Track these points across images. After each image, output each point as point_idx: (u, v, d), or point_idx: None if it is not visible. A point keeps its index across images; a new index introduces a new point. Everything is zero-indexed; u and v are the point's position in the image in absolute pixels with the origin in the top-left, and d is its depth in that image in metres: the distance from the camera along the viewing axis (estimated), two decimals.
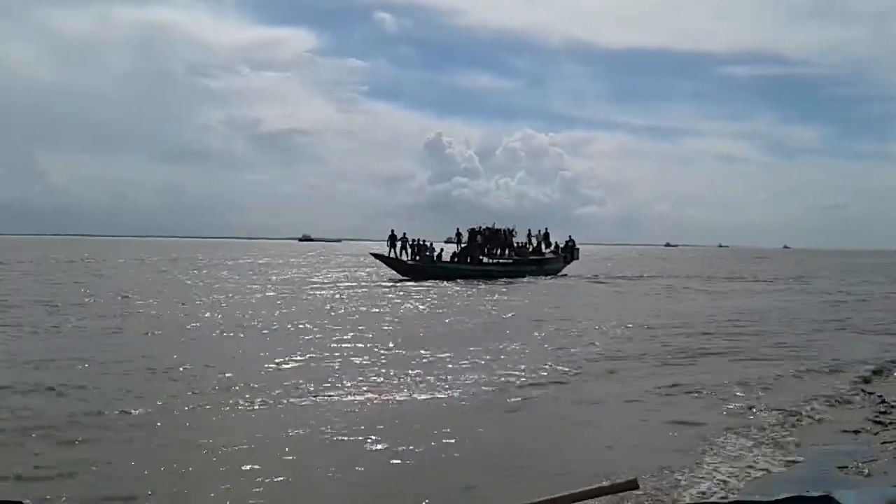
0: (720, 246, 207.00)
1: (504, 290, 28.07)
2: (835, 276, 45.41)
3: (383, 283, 30.37)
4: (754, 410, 8.31)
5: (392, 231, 34.81)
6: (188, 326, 15.40)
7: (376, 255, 34.87)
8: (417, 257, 34.97)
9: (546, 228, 41.00)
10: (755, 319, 18.62)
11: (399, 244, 34.93)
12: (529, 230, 40.64)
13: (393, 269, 34.61)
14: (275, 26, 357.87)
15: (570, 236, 42.42)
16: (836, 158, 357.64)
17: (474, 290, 27.80)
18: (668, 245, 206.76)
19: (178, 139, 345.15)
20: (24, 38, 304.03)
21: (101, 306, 19.00)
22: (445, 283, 30.75)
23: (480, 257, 36.90)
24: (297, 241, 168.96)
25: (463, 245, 37.08)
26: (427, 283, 30.29)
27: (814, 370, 11.11)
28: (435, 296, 24.81)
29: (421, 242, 35.34)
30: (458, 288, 28.35)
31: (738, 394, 9.22)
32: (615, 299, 25.54)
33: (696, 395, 9.25)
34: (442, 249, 36.43)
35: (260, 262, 56.15)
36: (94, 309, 18.28)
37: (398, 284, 29.92)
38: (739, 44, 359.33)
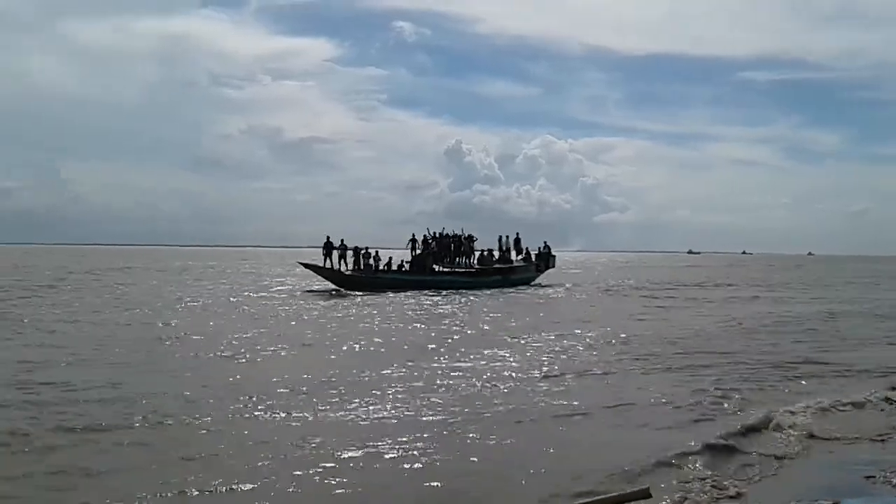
0: (744, 253, 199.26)
1: (435, 301, 24.08)
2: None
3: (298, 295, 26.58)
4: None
5: (328, 238, 30.87)
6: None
7: (307, 266, 30.84)
8: (356, 267, 31.06)
9: (518, 234, 36.85)
10: None
11: (337, 252, 31.03)
12: (500, 237, 36.57)
13: (327, 280, 30.64)
14: (295, 36, 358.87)
15: (545, 242, 38.22)
16: (859, 163, 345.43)
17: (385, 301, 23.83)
18: (690, 252, 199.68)
19: (200, 148, 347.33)
20: (49, 50, 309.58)
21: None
22: (388, 294, 26.87)
23: (434, 266, 32.87)
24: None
25: (416, 253, 33.16)
26: (354, 295, 26.51)
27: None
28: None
29: (364, 250, 31.42)
30: (379, 300, 24.43)
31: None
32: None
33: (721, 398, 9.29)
34: (391, 258, 32.45)
35: (254, 270, 52.84)
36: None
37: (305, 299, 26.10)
38: (758, 49, 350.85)
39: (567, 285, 36.94)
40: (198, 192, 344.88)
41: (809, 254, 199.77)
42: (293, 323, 18.27)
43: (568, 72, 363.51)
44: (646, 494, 3.00)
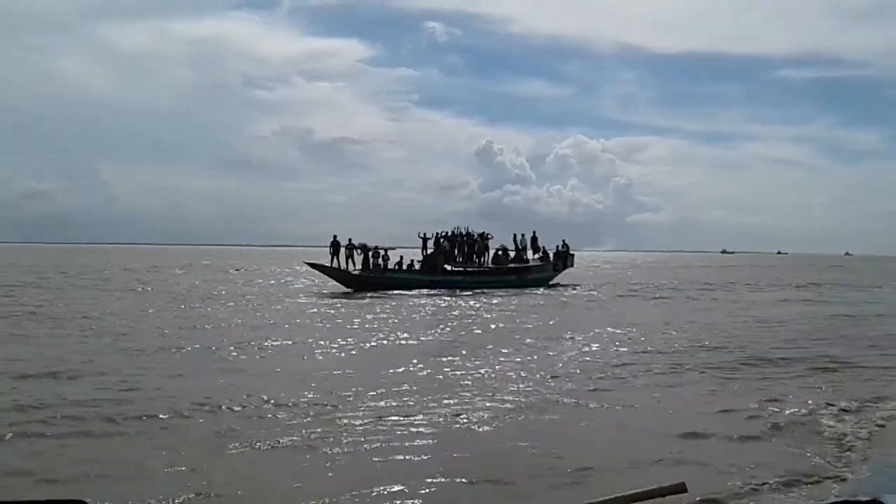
0: (779, 253, 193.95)
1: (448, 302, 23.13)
2: None
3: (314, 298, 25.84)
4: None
5: (335, 237, 30.07)
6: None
7: (313, 265, 30.08)
8: (364, 267, 30.23)
9: (534, 232, 35.70)
10: None
11: (345, 251, 30.23)
12: (515, 235, 35.48)
13: (335, 280, 29.84)
14: (327, 37, 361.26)
15: (563, 240, 36.93)
16: None
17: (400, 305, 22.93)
18: (724, 252, 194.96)
19: (233, 149, 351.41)
20: (85, 54, 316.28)
21: None
22: (393, 294, 26.01)
23: (446, 266, 31.90)
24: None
25: (428, 252, 32.23)
26: (362, 296, 25.69)
27: None
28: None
29: (373, 249, 30.57)
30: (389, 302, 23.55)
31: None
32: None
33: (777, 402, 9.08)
34: (401, 257, 31.58)
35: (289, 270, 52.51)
36: None
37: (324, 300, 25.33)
38: (794, 46, 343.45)
39: (587, 286, 35.73)
40: (230, 193, 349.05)
41: (846, 254, 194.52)
42: (288, 326, 17.51)
43: (600, 71, 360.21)
44: (682, 489, 2.95)
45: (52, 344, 13.43)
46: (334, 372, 10.82)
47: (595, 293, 31.28)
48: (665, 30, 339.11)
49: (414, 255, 31.97)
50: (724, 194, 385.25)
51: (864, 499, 2.73)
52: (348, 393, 9.19)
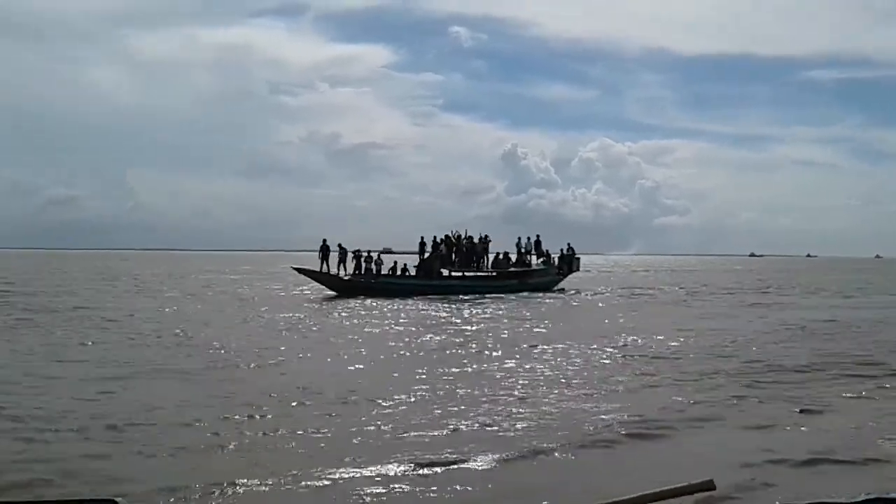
0: (808, 256, 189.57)
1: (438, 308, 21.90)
2: None
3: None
4: None
5: (324, 241, 29.01)
6: None
7: (300, 270, 29.02)
8: (356, 272, 29.15)
9: (538, 235, 34.28)
10: None
11: (336, 256, 29.17)
12: (519, 238, 34.10)
13: (324, 285, 28.78)
14: (352, 43, 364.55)
15: (568, 244, 35.44)
16: None
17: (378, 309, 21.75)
18: (752, 255, 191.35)
19: (259, 155, 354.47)
20: (113, 62, 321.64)
21: None
22: (380, 300, 24.87)
23: (442, 270, 30.70)
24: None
25: (427, 255, 31.06)
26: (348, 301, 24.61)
27: None
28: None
29: (366, 253, 29.48)
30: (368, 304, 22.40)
31: None
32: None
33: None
34: (395, 262, 30.42)
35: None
36: None
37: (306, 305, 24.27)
38: (821, 47, 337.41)
39: (594, 291, 34.33)
40: (256, 199, 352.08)
41: (877, 256, 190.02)
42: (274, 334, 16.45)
43: (625, 73, 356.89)
44: (710, 486, 2.74)
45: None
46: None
47: (598, 298, 29.84)
48: (690, 31, 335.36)
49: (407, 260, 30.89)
50: (752, 197, 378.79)
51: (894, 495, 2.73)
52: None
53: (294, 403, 8.76)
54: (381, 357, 12.83)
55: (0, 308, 20.91)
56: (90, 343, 14.14)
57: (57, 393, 9.26)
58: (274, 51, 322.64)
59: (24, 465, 6.22)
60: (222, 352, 13.04)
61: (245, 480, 5.83)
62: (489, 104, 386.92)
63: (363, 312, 21.65)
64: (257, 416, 8.08)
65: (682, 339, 15.37)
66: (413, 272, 30.21)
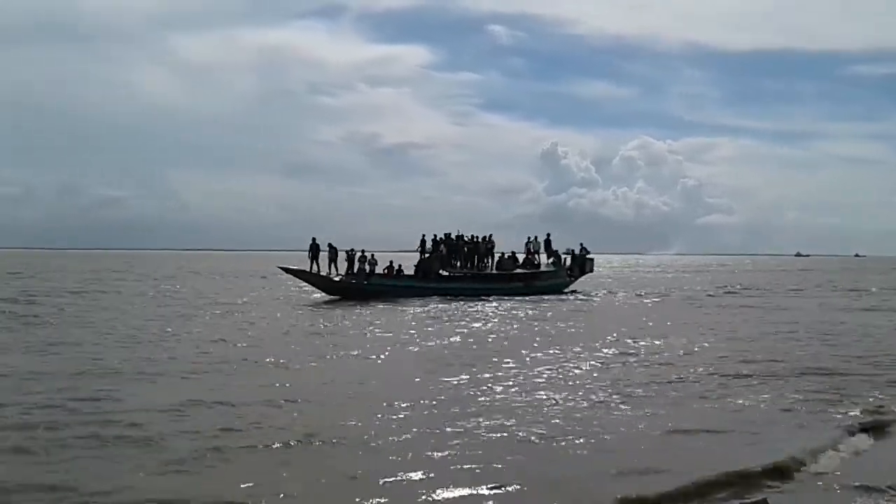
0: (857, 255, 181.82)
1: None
2: None
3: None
4: None
5: (314, 239, 27.54)
6: None
7: (288, 270, 27.51)
8: (348, 272, 27.61)
9: (548, 234, 32.36)
10: None
11: (327, 256, 27.70)
12: (529, 238, 32.16)
13: (314, 286, 27.27)
14: (391, 44, 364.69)
15: (580, 244, 33.40)
16: None
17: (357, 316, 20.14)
18: (798, 255, 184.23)
19: (299, 156, 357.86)
20: (156, 64, 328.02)
21: None
22: (376, 303, 23.32)
23: (442, 271, 28.98)
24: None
25: (426, 255, 29.40)
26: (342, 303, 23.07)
27: None
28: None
29: (360, 253, 27.89)
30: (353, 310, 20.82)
31: None
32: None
33: None
34: (391, 262, 28.76)
35: None
36: None
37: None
38: (868, 42, 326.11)
39: (610, 293, 32.23)
40: (296, 199, 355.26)
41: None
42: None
43: (666, 70, 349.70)
44: None
45: None
46: None
47: (609, 301, 27.75)
48: (733, 27, 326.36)
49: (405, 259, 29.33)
50: (798, 195, 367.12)
51: None
52: None
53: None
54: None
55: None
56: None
57: None
58: (314, 52, 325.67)
59: None
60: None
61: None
62: (527, 103, 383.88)
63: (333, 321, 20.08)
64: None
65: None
66: (411, 272, 28.65)
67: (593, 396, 9.53)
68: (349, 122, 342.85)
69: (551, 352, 13.61)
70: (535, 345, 14.63)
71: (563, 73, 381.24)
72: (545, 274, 30.89)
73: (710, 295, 32.16)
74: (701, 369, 11.66)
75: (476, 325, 18.69)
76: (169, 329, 16.53)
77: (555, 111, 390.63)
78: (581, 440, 7.36)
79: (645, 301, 28.57)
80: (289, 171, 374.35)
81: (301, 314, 21.36)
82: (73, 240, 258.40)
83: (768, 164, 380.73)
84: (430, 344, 14.79)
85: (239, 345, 14.07)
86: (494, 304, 24.82)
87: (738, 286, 39.10)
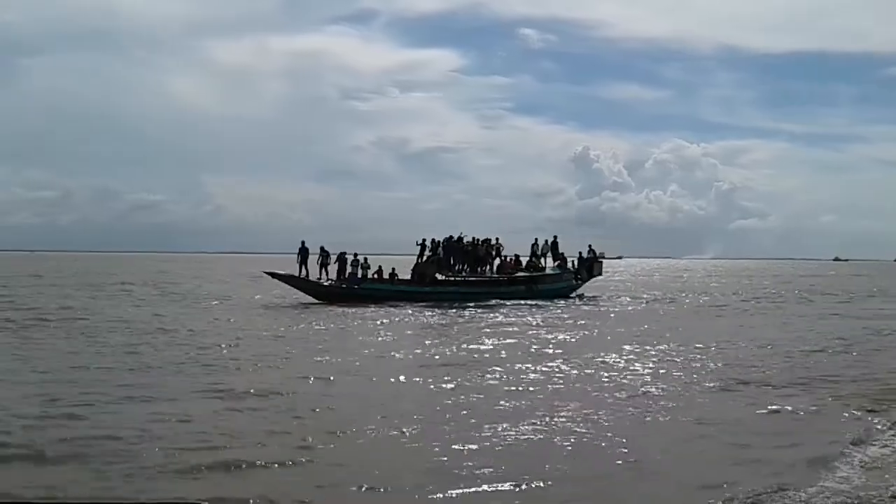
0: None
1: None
2: None
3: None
4: None
5: (302, 243, 26.56)
6: None
7: (274, 275, 26.50)
8: (339, 277, 26.56)
9: (555, 237, 30.92)
10: None
11: (318, 260, 26.68)
12: (535, 240, 30.75)
13: (301, 291, 26.22)
14: (421, 48, 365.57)
15: (589, 246, 31.94)
16: None
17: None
18: (836, 259, 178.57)
19: (330, 160, 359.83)
20: (191, 71, 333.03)
21: None
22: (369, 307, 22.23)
23: (438, 275, 27.75)
24: None
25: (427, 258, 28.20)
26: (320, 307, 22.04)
27: None
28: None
29: (353, 256, 26.82)
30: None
31: None
32: None
33: None
34: (380, 266, 27.52)
35: None
36: None
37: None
38: None
39: (618, 297, 30.68)
40: (328, 203, 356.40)
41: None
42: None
43: (699, 73, 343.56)
44: None
45: None
46: None
47: (614, 306, 26.25)
48: (768, 29, 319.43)
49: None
50: (835, 198, 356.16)
51: None
52: None
53: None
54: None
55: None
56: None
57: None
58: (345, 57, 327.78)
59: None
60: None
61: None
62: (559, 106, 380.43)
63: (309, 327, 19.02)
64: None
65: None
66: (405, 276, 27.51)
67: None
68: (381, 126, 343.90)
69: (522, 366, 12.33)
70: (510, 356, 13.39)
71: (594, 76, 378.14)
72: (549, 277, 29.47)
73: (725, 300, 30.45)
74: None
75: (465, 334, 17.47)
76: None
77: (586, 114, 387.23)
78: None
79: (655, 307, 27.02)
80: (321, 176, 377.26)
81: (268, 318, 20.33)
82: (108, 243, 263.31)
83: (804, 168, 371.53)
84: (411, 352, 13.67)
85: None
86: (489, 308, 23.56)
87: (762, 291, 37.14)
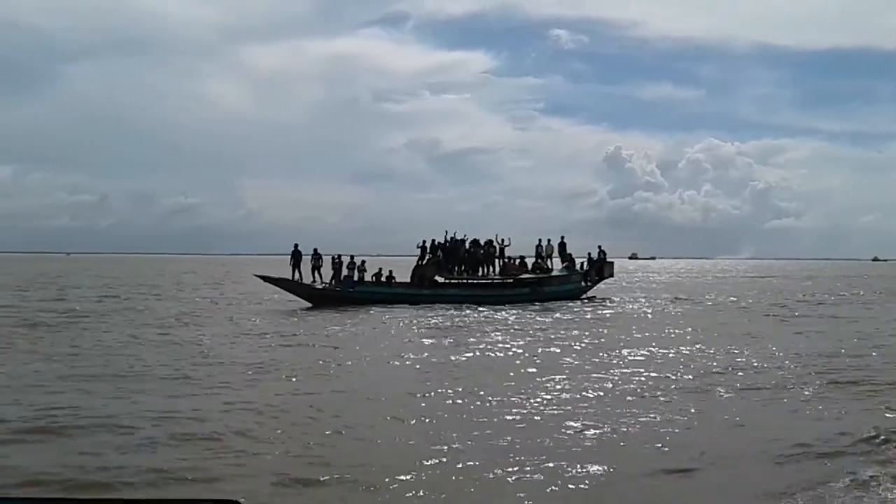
0: None
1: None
2: None
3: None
4: None
5: (296, 245, 25.71)
6: None
7: (266, 278, 25.57)
8: (333, 280, 25.66)
9: (563, 237, 29.62)
10: None
11: (311, 262, 25.81)
12: (539, 241, 29.48)
13: (294, 294, 25.35)
14: (453, 50, 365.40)
15: (599, 247, 30.56)
16: None
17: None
18: (876, 259, 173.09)
19: (364, 163, 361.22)
20: (227, 75, 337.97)
21: None
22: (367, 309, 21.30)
23: (438, 277, 26.70)
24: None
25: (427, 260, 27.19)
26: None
27: None
28: None
29: (347, 259, 25.88)
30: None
31: None
32: None
33: None
34: (380, 269, 26.54)
35: None
36: None
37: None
38: None
39: (630, 300, 29.26)
40: (361, 205, 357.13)
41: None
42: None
43: (733, 72, 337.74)
44: None
45: None
46: None
47: (621, 309, 24.87)
48: (804, 26, 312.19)
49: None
50: (874, 198, 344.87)
51: None
52: None
53: None
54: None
55: None
56: None
57: None
58: (378, 60, 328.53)
59: None
60: None
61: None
62: (591, 106, 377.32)
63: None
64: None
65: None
66: (400, 279, 26.50)
67: None
68: (413, 128, 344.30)
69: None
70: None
71: (626, 76, 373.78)
72: (555, 279, 28.17)
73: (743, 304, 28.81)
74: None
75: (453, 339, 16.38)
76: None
77: (618, 114, 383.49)
78: None
79: (667, 309, 25.57)
80: (355, 179, 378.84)
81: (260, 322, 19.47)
82: (144, 246, 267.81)
83: (842, 167, 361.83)
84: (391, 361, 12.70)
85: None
86: (491, 311, 22.42)
87: (786, 294, 35.31)
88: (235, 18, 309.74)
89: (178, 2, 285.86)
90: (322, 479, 6.15)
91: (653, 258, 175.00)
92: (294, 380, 10.70)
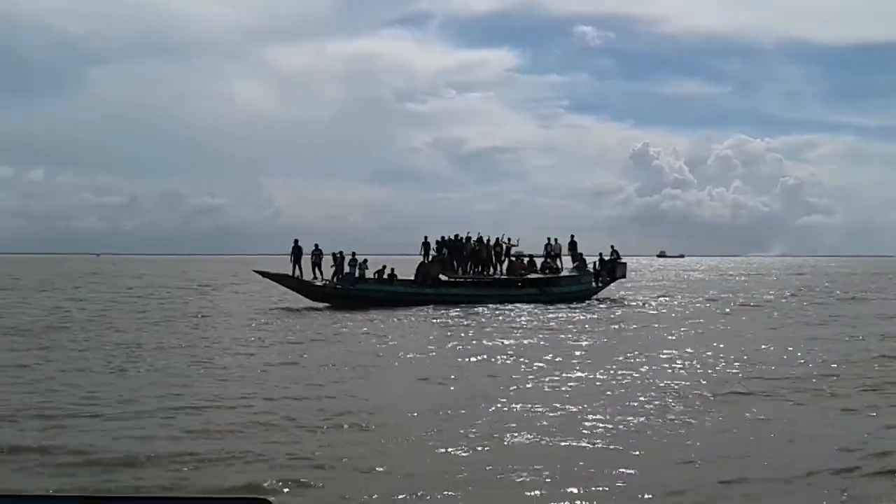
0: None
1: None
2: None
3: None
4: None
5: (296, 241, 25.20)
6: None
7: (266, 274, 25.13)
8: (334, 277, 25.16)
9: (573, 236, 28.79)
10: None
11: (311, 259, 25.33)
12: (548, 239, 28.65)
13: (296, 292, 24.84)
14: (476, 48, 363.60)
15: (611, 246, 29.59)
16: None
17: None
18: None
19: (387, 162, 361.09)
20: (252, 76, 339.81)
21: None
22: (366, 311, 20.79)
23: (442, 276, 26.04)
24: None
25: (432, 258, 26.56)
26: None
27: None
28: None
29: (351, 256, 25.34)
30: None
31: None
32: None
33: None
34: (383, 267, 25.95)
35: None
36: None
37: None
38: None
39: (647, 302, 28.31)
40: (385, 205, 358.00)
41: None
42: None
43: (762, 67, 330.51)
44: None
45: None
46: None
47: (627, 310, 23.94)
48: (831, 21, 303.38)
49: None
50: None
51: None
52: None
53: None
54: None
55: None
56: None
57: None
58: (401, 59, 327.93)
59: None
60: None
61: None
62: (616, 103, 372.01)
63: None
64: None
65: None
66: (406, 277, 25.93)
67: None
68: (437, 127, 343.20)
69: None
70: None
71: (653, 72, 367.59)
72: (564, 279, 27.32)
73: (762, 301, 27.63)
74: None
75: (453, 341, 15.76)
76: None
77: (644, 111, 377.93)
78: None
79: (679, 310, 24.59)
80: (378, 178, 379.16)
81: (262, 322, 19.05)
82: (171, 246, 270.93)
83: (874, 162, 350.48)
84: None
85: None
86: (496, 311, 21.77)
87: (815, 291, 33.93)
88: (259, 19, 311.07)
89: (202, 3, 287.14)
90: (335, 477, 6.37)
91: (682, 256, 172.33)
92: (297, 382, 10.62)
